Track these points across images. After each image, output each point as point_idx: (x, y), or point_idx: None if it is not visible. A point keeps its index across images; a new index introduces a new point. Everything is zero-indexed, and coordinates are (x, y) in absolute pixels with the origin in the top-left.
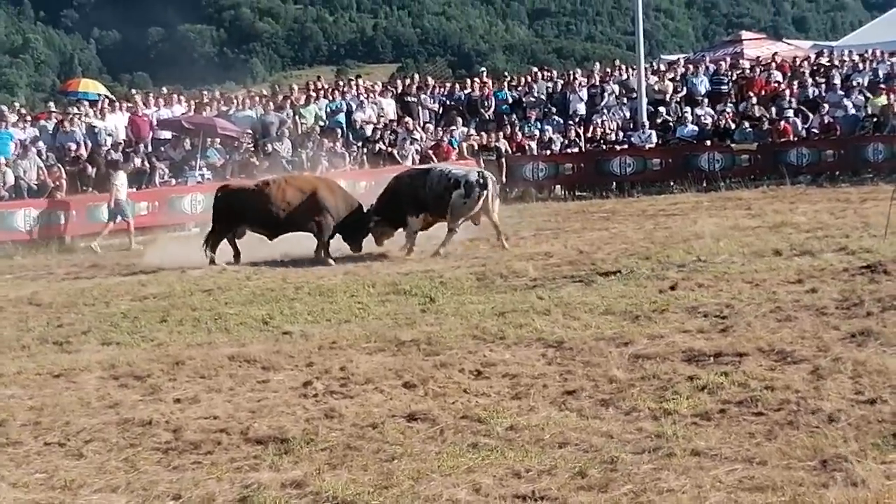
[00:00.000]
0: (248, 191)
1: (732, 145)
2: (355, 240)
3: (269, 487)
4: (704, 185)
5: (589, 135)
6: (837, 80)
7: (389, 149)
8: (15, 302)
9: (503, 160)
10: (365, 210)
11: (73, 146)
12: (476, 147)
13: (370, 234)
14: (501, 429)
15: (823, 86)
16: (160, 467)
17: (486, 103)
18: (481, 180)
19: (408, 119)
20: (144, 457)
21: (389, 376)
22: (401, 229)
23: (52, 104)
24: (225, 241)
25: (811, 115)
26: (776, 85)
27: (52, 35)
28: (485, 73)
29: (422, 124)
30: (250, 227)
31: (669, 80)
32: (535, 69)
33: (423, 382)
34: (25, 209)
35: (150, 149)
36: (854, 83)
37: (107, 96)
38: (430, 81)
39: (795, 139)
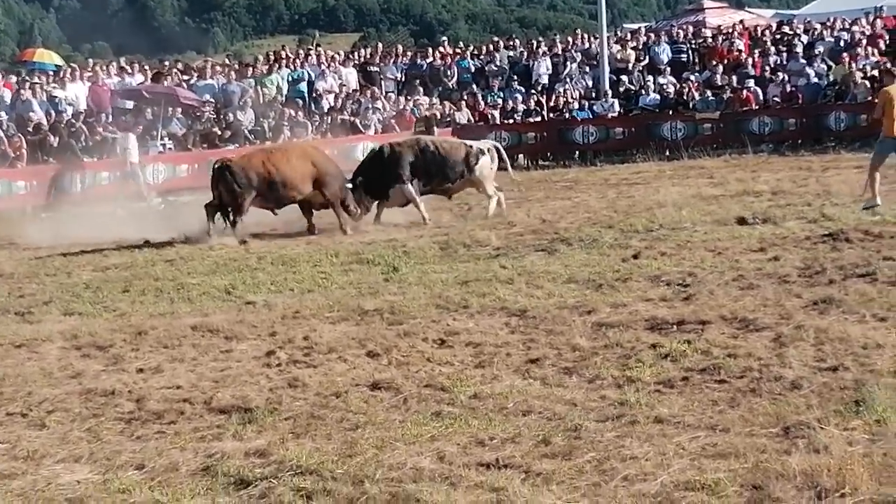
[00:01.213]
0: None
1: (695, 114)
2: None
3: (232, 457)
4: (667, 153)
5: (552, 104)
6: (799, 49)
7: (352, 118)
8: None
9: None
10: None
11: (34, 116)
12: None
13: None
14: (465, 397)
15: (785, 54)
16: (123, 437)
17: (448, 72)
18: (498, 147)
19: (371, 89)
20: (107, 427)
21: (353, 345)
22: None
23: (11, 75)
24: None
25: (772, 83)
26: (738, 53)
27: (12, 4)
28: (447, 43)
29: (384, 94)
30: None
31: (632, 48)
32: (498, 38)
33: (387, 351)
34: None
35: (111, 119)
36: (816, 52)
37: (60, 66)
38: (393, 51)
39: (757, 108)
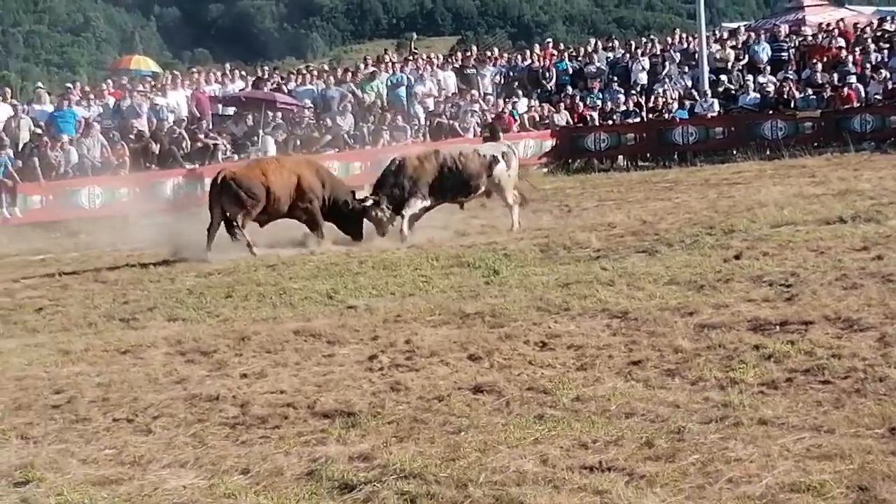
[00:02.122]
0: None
1: (795, 113)
2: (353, 228)
3: (336, 461)
4: (768, 153)
5: (651, 104)
6: None
7: (451, 122)
8: (81, 279)
9: (498, 136)
10: (357, 196)
11: (137, 123)
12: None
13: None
14: (567, 400)
15: (886, 51)
16: (228, 442)
17: (546, 74)
18: (511, 149)
19: (470, 92)
20: (212, 432)
21: (455, 349)
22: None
23: (110, 82)
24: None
25: (873, 81)
26: (838, 51)
27: (113, 13)
28: (546, 44)
29: (483, 96)
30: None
31: (731, 47)
32: (596, 39)
33: (489, 354)
34: (90, 187)
35: (211, 125)
36: None
37: (156, 72)
38: (491, 53)
39: (859, 105)
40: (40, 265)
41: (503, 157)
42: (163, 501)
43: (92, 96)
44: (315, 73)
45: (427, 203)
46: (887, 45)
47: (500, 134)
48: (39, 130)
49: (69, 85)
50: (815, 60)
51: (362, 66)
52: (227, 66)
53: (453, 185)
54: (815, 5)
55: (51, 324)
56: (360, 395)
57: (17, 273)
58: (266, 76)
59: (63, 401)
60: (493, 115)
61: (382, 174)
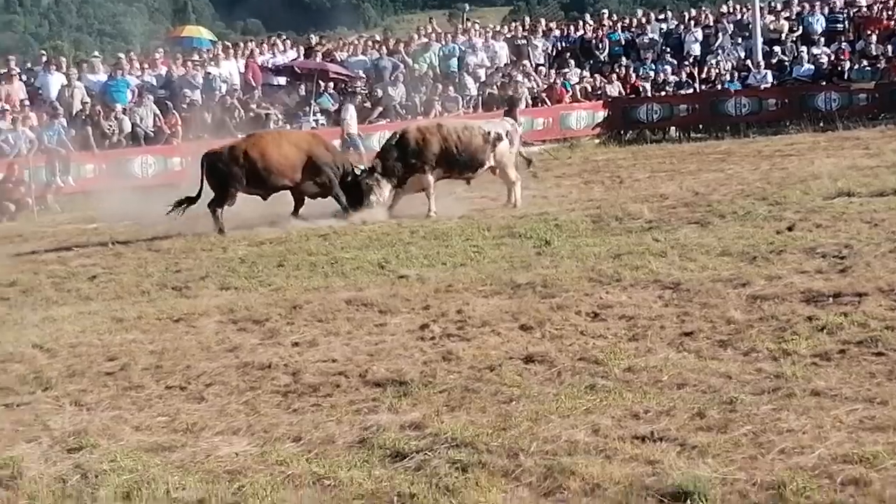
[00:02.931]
0: (239, 150)
1: (850, 84)
2: (357, 202)
3: (388, 429)
4: (821, 124)
5: (704, 76)
6: None
7: (502, 93)
8: (134, 248)
9: (516, 110)
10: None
11: (189, 93)
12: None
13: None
14: (619, 370)
15: None
16: (280, 410)
17: (599, 45)
18: (515, 127)
19: (522, 63)
20: (264, 400)
21: (506, 319)
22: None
23: (162, 52)
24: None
25: None
26: (894, 22)
27: None
28: (600, 15)
29: (535, 68)
30: (246, 189)
31: (785, 19)
32: (649, 10)
33: (540, 325)
34: (143, 156)
35: (263, 95)
36: None
37: (213, 41)
38: (543, 24)
39: None
40: (93, 234)
41: (506, 135)
42: (215, 468)
43: (145, 66)
44: (367, 43)
45: (438, 176)
46: None
47: (518, 108)
48: (92, 99)
49: (121, 55)
50: (869, 32)
51: (415, 36)
52: (280, 35)
53: (459, 159)
54: None
55: (104, 292)
56: (411, 364)
57: (71, 241)
58: (318, 46)
59: (116, 368)
60: (545, 86)
61: (383, 147)
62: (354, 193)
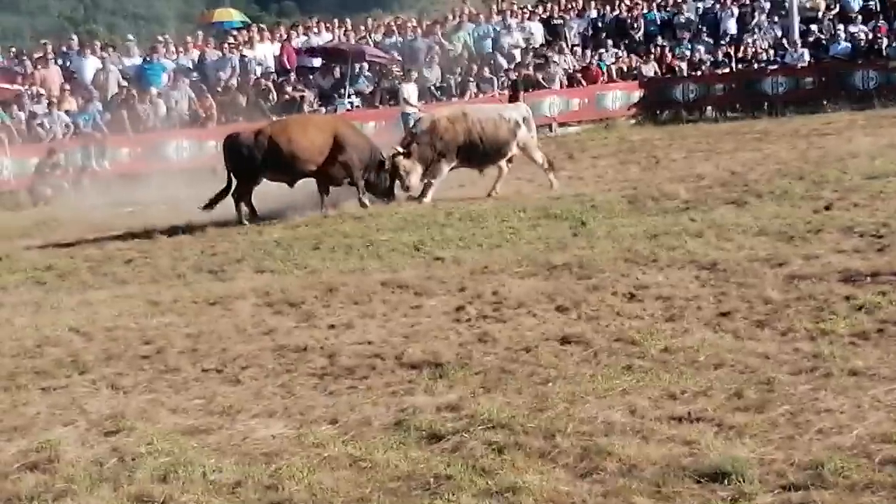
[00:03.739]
0: (265, 135)
1: (888, 62)
2: (383, 188)
3: (424, 411)
4: (858, 103)
5: (740, 55)
6: None
7: (537, 73)
8: (169, 231)
9: (520, 95)
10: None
11: (223, 76)
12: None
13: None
14: (656, 351)
15: None
16: (316, 392)
17: (635, 25)
18: (529, 112)
19: (558, 43)
20: (300, 382)
21: (542, 300)
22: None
23: (199, 34)
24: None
25: None
26: None
27: None
28: None
29: (570, 48)
30: (271, 175)
31: None
32: None
33: (576, 306)
34: (177, 140)
35: (298, 77)
36: None
37: (244, 22)
38: (579, 4)
39: None
40: (129, 217)
41: (524, 121)
42: (252, 450)
43: (180, 49)
44: (403, 24)
45: (452, 166)
46: None
47: (522, 93)
48: (127, 83)
49: (159, 38)
50: None
51: (449, 16)
52: (314, 18)
53: (484, 149)
54: None
55: (140, 275)
56: (447, 345)
57: (106, 225)
58: (352, 28)
59: (153, 351)
60: (580, 67)
61: (413, 133)
62: (381, 181)
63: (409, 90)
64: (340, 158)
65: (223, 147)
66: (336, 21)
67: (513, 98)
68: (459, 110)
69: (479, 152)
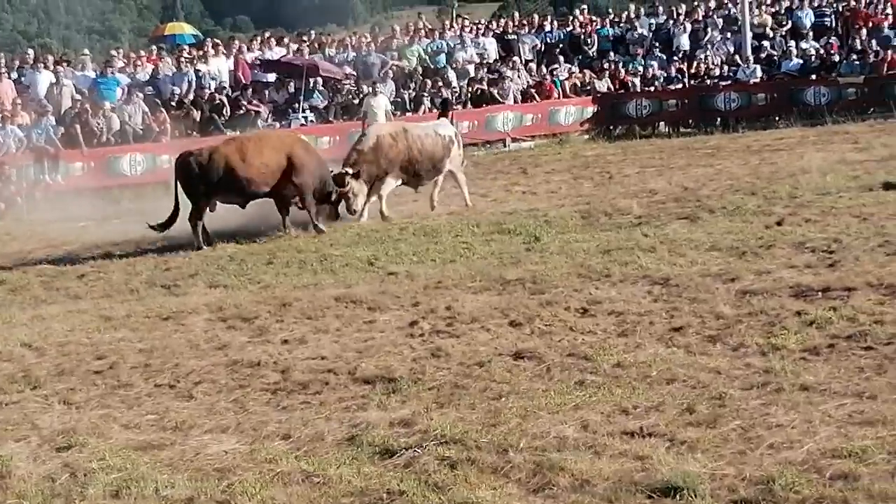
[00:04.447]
0: (218, 154)
1: (838, 79)
2: (332, 209)
3: (377, 426)
4: (810, 119)
5: (693, 70)
6: None
7: (491, 89)
8: (122, 246)
9: (449, 113)
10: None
11: (177, 90)
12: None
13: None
14: (608, 366)
15: None
16: (269, 407)
17: (588, 41)
18: (457, 130)
19: (512, 59)
20: (253, 397)
21: (495, 315)
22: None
23: (153, 49)
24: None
25: None
26: (883, 17)
27: None
28: (587, 11)
29: (524, 63)
30: (223, 196)
31: (771, 14)
32: (638, 5)
33: (529, 321)
34: (131, 154)
35: (252, 92)
36: None
37: (196, 36)
38: (532, 20)
39: None
40: (82, 231)
41: (455, 137)
42: (204, 466)
43: (136, 63)
44: (356, 39)
45: (398, 183)
46: None
47: (451, 111)
48: (81, 97)
49: (113, 52)
50: (859, 26)
51: (398, 33)
52: (268, 32)
53: (423, 166)
54: None
55: (93, 290)
56: (400, 360)
57: (59, 239)
58: (306, 42)
59: (105, 366)
60: (534, 82)
61: (357, 149)
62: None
63: (376, 103)
64: (295, 180)
65: (175, 167)
66: (290, 36)
67: (442, 115)
68: (400, 126)
69: (419, 169)
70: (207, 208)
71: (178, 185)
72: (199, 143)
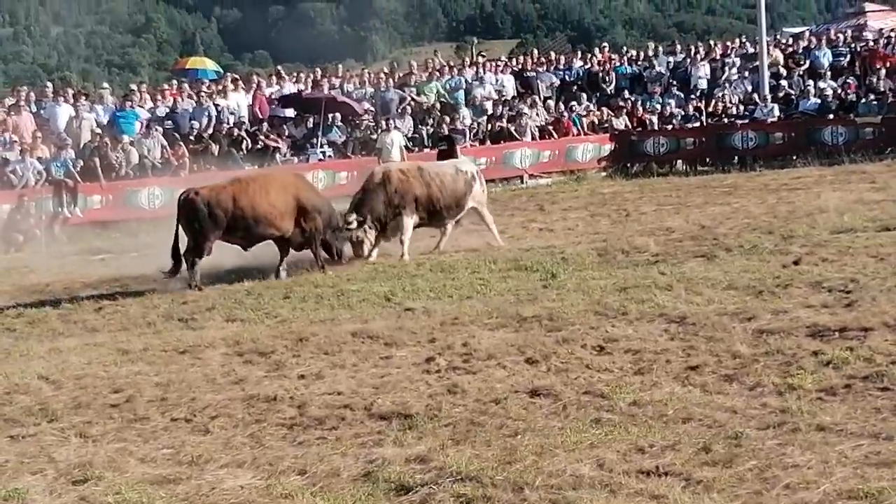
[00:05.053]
0: (225, 193)
1: (856, 118)
2: (338, 250)
3: (393, 462)
4: (828, 158)
5: (710, 109)
6: None
7: (509, 125)
8: (140, 280)
9: (456, 150)
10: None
11: (196, 125)
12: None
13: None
14: (624, 404)
15: None
16: (285, 443)
17: (606, 78)
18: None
19: (531, 96)
20: (270, 432)
21: (512, 352)
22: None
23: (174, 83)
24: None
25: None
26: None
27: (174, 14)
28: (605, 48)
29: (542, 100)
30: (227, 237)
31: (788, 53)
32: (656, 43)
33: (546, 358)
34: (150, 188)
35: (271, 127)
36: None
37: (218, 72)
38: (550, 57)
39: None
40: (100, 265)
41: (477, 174)
42: (220, 501)
43: (155, 97)
44: (374, 75)
45: (416, 222)
46: None
47: (458, 148)
48: (100, 131)
49: (133, 86)
50: (876, 66)
51: (415, 69)
52: (287, 67)
53: (445, 203)
54: (877, 11)
55: (110, 323)
56: (416, 397)
57: (77, 273)
58: (325, 77)
59: (122, 400)
60: (551, 119)
61: (364, 188)
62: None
63: (391, 139)
64: (304, 224)
65: (179, 205)
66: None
67: (447, 154)
68: (414, 165)
69: (441, 207)
70: (208, 249)
71: (181, 224)
72: (217, 177)
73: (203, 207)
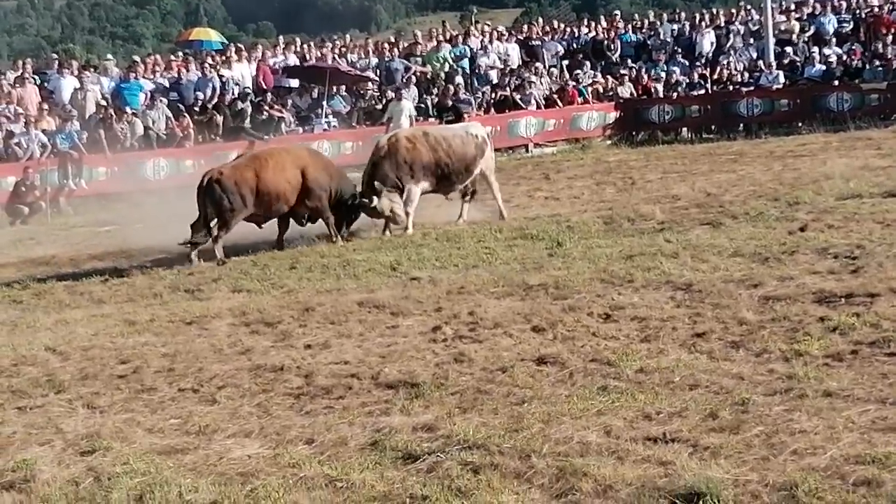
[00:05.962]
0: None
1: (861, 85)
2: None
3: (400, 431)
4: (833, 125)
5: (715, 76)
6: None
7: (514, 94)
8: (146, 251)
9: (463, 120)
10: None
11: (200, 96)
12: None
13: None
14: (631, 371)
15: None
16: (292, 412)
17: (611, 46)
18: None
19: (535, 64)
20: (277, 402)
21: (518, 320)
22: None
23: (179, 54)
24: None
25: None
26: None
27: None
28: (611, 16)
29: (547, 69)
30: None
31: (796, 19)
32: (661, 11)
33: (552, 326)
34: (155, 159)
35: (276, 97)
36: None
37: (223, 43)
38: (555, 25)
39: None
40: (106, 236)
41: (488, 137)
42: (228, 470)
43: (158, 68)
44: (380, 44)
45: (426, 189)
46: None
47: (465, 118)
48: (105, 103)
49: (136, 58)
50: (882, 32)
51: (420, 39)
52: (291, 37)
53: (453, 167)
54: None
55: (116, 294)
56: (423, 365)
57: (83, 244)
58: (331, 47)
59: (129, 371)
60: (556, 87)
61: (373, 162)
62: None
63: (401, 109)
64: (307, 202)
65: (203, 188)
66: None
67: (456, 121)
68: (419, 130)
69: (450, 172)
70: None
71: (206, 205)
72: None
73: (232, 187)
